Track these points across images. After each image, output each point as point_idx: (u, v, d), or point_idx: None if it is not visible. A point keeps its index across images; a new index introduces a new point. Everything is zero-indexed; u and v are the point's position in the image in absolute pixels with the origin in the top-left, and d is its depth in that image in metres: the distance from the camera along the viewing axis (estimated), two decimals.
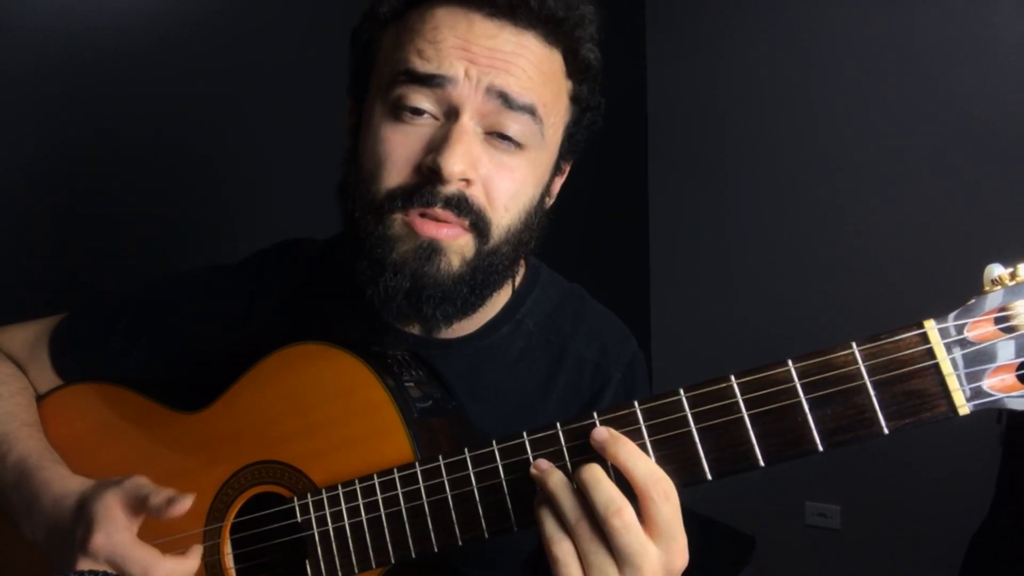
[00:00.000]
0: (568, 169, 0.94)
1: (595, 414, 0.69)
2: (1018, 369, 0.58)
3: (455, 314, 0.85)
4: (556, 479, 0.67)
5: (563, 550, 0.65)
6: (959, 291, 0.64)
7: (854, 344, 0.62)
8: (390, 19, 0.84)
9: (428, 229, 0.80)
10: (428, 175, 0.79)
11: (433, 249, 0.80)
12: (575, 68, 0.85)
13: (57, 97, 1.36)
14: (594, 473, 0.65)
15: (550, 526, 0.66)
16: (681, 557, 0.64)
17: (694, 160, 3.27)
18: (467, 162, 0.78)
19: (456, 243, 0.81)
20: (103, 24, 1.43)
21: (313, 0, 1.82)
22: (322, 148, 1.59)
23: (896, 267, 2.83)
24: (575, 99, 0.87)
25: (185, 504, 0.77)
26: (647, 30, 3.28)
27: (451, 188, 0.78)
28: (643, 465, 0.64)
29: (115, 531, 0.76)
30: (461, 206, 0.79)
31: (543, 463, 0.69)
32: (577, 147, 0.92)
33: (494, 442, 0.73)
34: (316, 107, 1.75)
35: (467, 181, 0.79)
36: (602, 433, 0.67)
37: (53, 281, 1.38)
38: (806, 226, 3.02)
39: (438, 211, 0.79)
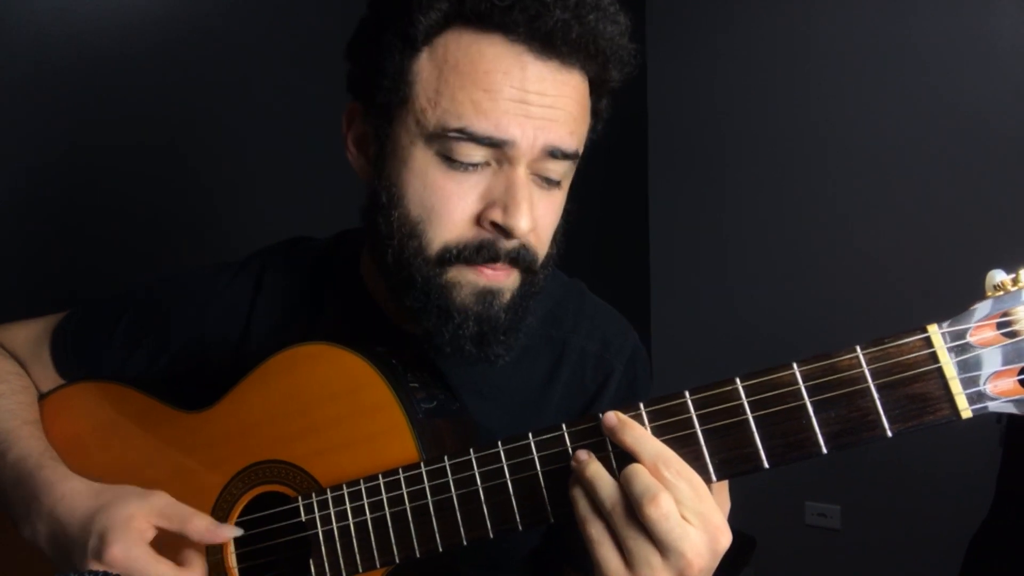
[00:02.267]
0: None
1: (600, 415, 0.70)
2: (1020, 374, 0.59)
3: (514, 342, 0.85)
4: (594, 468, 0.67)
5: (597, 530, 0.65)
6: (961, 296, 0.64)
7: (858, 348, 0.62)
8: (423, 42, 0.78)
9: (488, 275, 0.80)
10: (492, 229, 0.78)
11: (491, 291, 0.81)
12: (599, 87, 0.85)
13: (57, 97, 1.36)
14: (633, 466, 0.65)
15: (584, 507, 0.66)
16: (724, 535, 0.64)
17: (694, 160, 3.27)
18: (532, 217, 0.78)
19: (508, 281, 0.82)
20: (103, 24, 1.43)
21: (312, 1, 1.83)
22: (323, 148, 1.59)
23: (896, 268, 2.83)
24: (595, 113, 0.88)
25: (226, 534, 0.80)
26: (647, 30, 3.28)
27: (515, 243, 0.79)
28: (651, 446, 0.65)
29: (133, 545, 0.77)
30: (521, 257, 0.80)
31: (583, 454, 0.68)
32: (583, 155, 0.92)
33: (499, 442, 0.73)
34: (317, 107, 1.75)
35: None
36: (611, 419, 0.67)
37: (55, 279, 1.38)
38: (806, 226, 3.03)
39: (500, 266, 0.80)
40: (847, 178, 2.93)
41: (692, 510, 0.63)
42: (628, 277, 3.32)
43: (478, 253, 0.79)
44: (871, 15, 2.85)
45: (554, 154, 0.78)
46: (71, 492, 0.84)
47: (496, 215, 0.77)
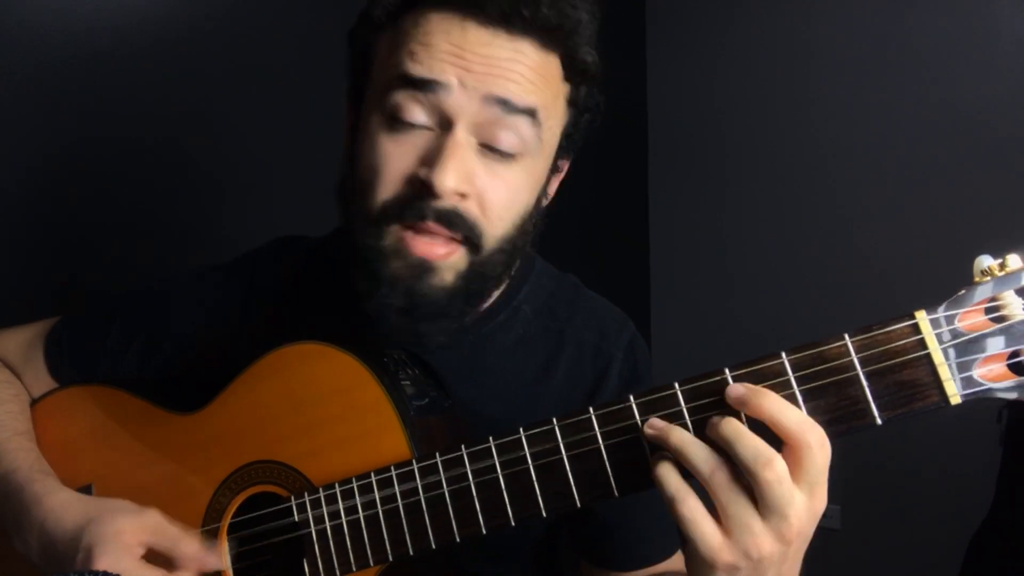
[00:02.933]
0: (566, 167, 0.93)
1: (591, 408, 0.70)
2: (1008, 359, 0.59)
3: (451, 326, 0.84)
4: (680, 433, 0.64)
5: (691, 508, 0.63)
6: (950, 282, 0.64)
7: (846, 336, 0.62)
8: (384, 23, 0.83)
9: (420, 247, 0.79)
10: (420, 188, 0.77)
11: (424, 268, 0.79)
12: (573, 71, 0.84)
13: (57, 97, 1.36)
14: (735, 426, 0.62)
15: (673, 485, 0.64)
16: (823, 501, 0.62)
17: (694, 160, 3.27)
18: (461, 176, 0.77)
19: (449, 260, 0.80)
20: (103, 24, 1.43)
21: (312, 1, 1.83)
22: (317, 147, 1.59)
23: (897, 268, 2.83)
24: (572, 102, 0.86)
25: (213, 563, 0.79)
26: (647, 30, 3.29)
27: (444, 203, 0.77)
28: (794, 413, 0.61)
29: (121, 558, 0.76)
30: (453, 220, 0.78)
31: (657, 422, 0.66)
32: (575, 145, 0.90)
33: (491, 439, 0.73)
34: (313, 106, 1.75)
35: (461, 195, 0.78)
36: (739, 389, 0.63)
37: (49, 283, 1.38)
38: (805, 226, 3.03)
39: (430, 224, 0.78)
40: (846, 177, 2.94)
41: (811, 482, 0.60)
42: (628, 276, 3.31)
43: (406, 209, 0.78)
44: (871, 15, 2.85)
45: (505, 106, 0.77)
46: (60, 505, 0.83)
47: (422, 171, 0.77)
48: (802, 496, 0.60)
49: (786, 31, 3.03)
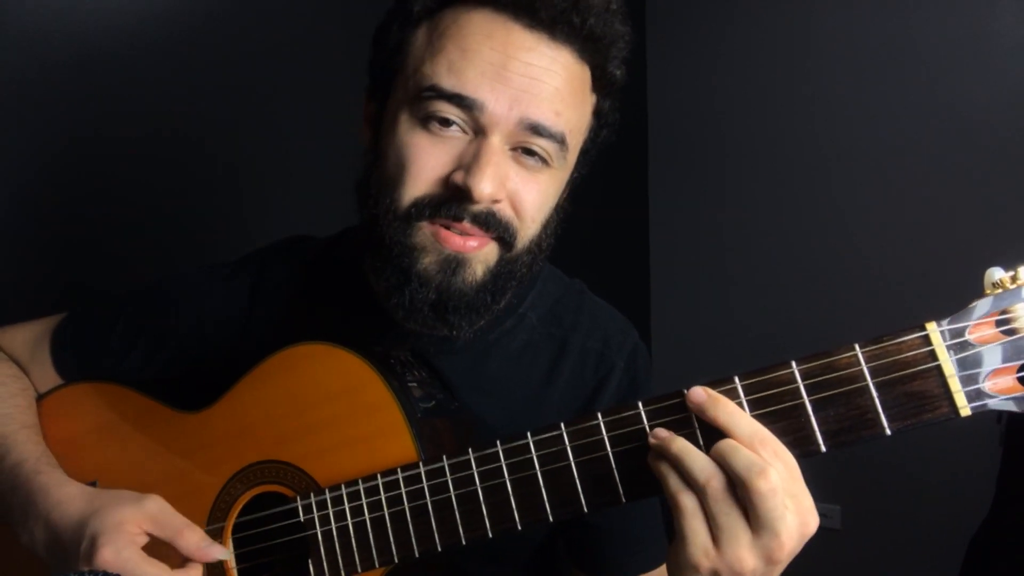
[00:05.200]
0: (578, 175, 0.94)
1: (599, 414, 0.70)
2: (1018, 371, 0.59)
3: (477, 321, 0.85)
4: (681, 443, 0.65)
5: (692, 501, 0.63)
6: (960, 294, 0.64)
7: (857, 346, 0.62)
8: (423, 17, 0.82)
9: (455, 243, 0.79)
10: (456, 191, 0.78)
11: (459, 262, 0.80)
12: (602, 83, 0.85)
13: (57, 97, 1.36)
14: (729, 441, 0.63)
15: (674, 482, 0.64)
16: (813, 519, 0.62)
17: (694, 160, 3.27)
18: (497, 182, 0.78)
19: (481, 253, 0.81)
20: (103, 24, 1.42)
21: (315, 1, 1.83)
22: (322, 147, 1.59)
23: (897, 267, 2.83)
24: (597, 113, 0.88)
25: (216, 554, 0.79)
26: (647, 30, 3.28)
27: (480, 206, 0.78)
28: (746, 423, 0.63)
29: (124, 547, 0.76)
30: (489, 222, 0.79)
31: (662, 432, 0.67)
32: (588, 161, 0.92)
33: (498, 442, 0.73)
34: (318, 107, 1.75)
35: (496, 200, 0.80)
36: (699, 394, 0.65)
37: (55, 281, 1.38)
38: (806, 226, 3.02)
39: (466, 226, 0.79)
40: (847, 177, 2.93)
41: (788, 491, 0.61)
42: (628, 277, 3.31)
43: (441, 208, 0.79)
44: (871, 15, 2.84)
45: (536, 130, 0.78)
46: (67, 498, 0.83)
47: (459, 176, 0.78)
48: (791, 513, 0.61)
49: (786, 31, 3.02)
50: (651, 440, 0.67)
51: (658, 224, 3.38)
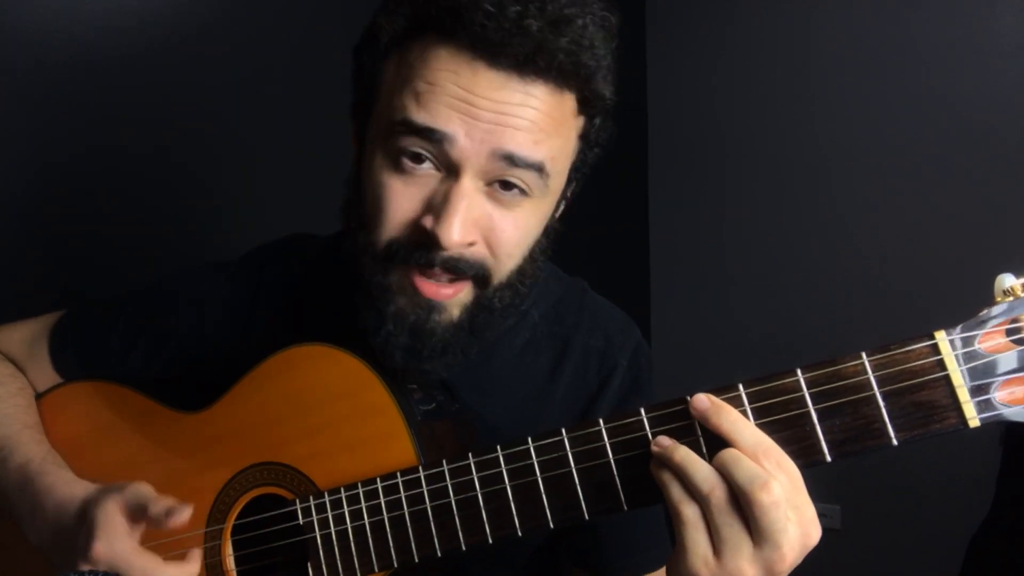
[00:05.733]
0: (572, 192, 0.91)
1: (601, 421, 0.69)
2: None
3: (453, 362, 0.83)
4: (684, 451, 0.64)
5: (694, 511, 0.63)
6: (970, 301, 0.63)
7: (864, 354, 0.62)
8: (391, 49, 0.79)
9: (427, 289, 0.78)
10: (426, 237, 0.76)
11: (431, 307, 0.79)
12: (588, 105, 0.80)
13: (57, 97, 1.35)
14: (732, 451, 0.62)
15: (677, 491, 0.64)
16: (815, 530, 0.62)
17: (694, 160, 3.26)
18: (467, 227, 0.75)
19: (456, 299, 0.80)
20: (103, 24, 1.42)
21: (314, 3, 1.82)
22: (322, 148, 1.58)
23: (897, 267, 2.82)
24: (584, 136, 0.83)
25: (184, 515, 0.76)
26: (647, 30, 3.27)
27: (449, 253, 0.76)
28: (750, 433, 0.62)
29: (116, 539, 0.76)
30: (460, 267, 0.77)
31: (664, 440, 0.66)
32: (582, 177, 0.89)
33: (499, 447, 0.72)
34: (318, 107, 1.74)
35: (469, 243, 0.77)
36: (703, 401, 0.65)
37: (54, 281, 1.38)
38: (806, 227, 3.02)
39: (437, 272, 0.77)
40: (848, 178, 2.92)
41: (791, 503, 0.60)
42: (628, 277, 3.31)
43: (413, 254, 0.77)
44: (871, 16, 2.83)
45: (511, 160, 0.74)
46: (71, 497, 0.83)
47: (428, 222, 0.75)
48: (792, 524, 0.60)
49: (786, 31, 3.00)
50: (653, 448, 0.66)
51: (658, 224, 3.37)
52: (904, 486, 2.82)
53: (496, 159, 0.74)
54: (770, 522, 0.59)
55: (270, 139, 1.73)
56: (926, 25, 2.75)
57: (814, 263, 3.00)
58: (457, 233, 0.74)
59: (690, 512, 0.63)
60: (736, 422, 0.63)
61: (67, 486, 0.85)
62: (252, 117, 1.69)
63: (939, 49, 2.74)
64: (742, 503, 0.60)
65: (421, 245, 0.76)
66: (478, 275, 0.79)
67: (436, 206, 0.75)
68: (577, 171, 0.87)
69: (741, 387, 0.64)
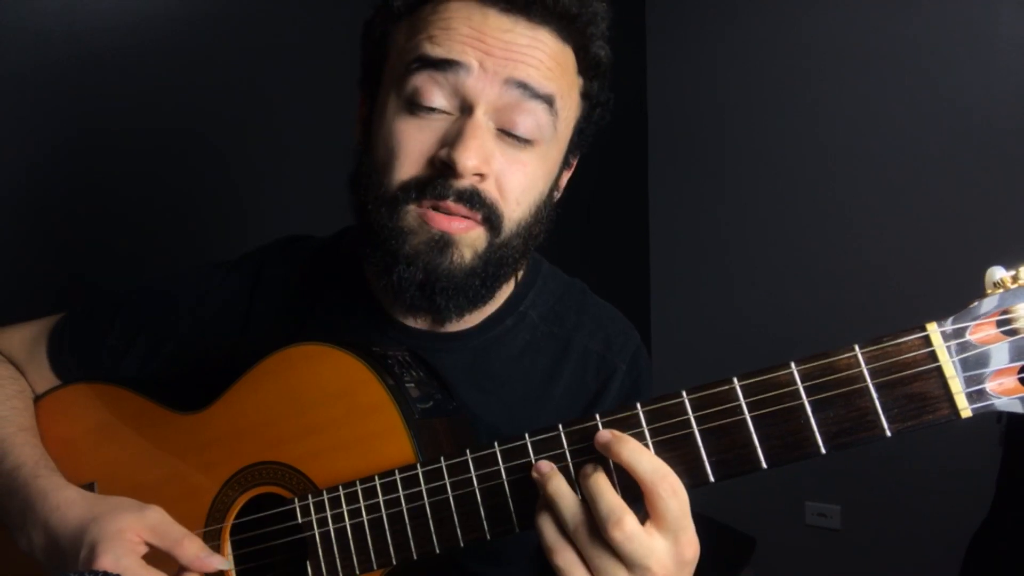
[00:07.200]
0: (575, 163, 0.95)
1: (597, 416, 0.69)
2: (1020, 372, 0.58)
3: (467, 305, 0.86)
4: (555, 484, 0.67)
5: (566, 560, 0.66)
6: (961, 293, 0.64)
7: (856, 347, 0.62)
8: (403, 13, 0.85)
9: (440, 222, 0.81)
10: (441, 169, 0.80)
11: (445, 242, 0.81)
12: (586, 65, 0.87)
13: (57, 97, 1.36)
14: (598, 483, 0.65)
15: (551, 535, 0.66)
16: (692, 547, 0.64)
17: (694, 160, 3.27)
18: (481, 157, 0.79)
19: (468, 236, 0.82)
20: (103, 24, 1.42)
21: (315, 2, 1.82)
22: (322, 148, 1.59)
23: (897, 267, 2.83)
24: (585, 95, 0.89)
25: (215, 564, 0.77)
26: (647, 30, 3.28)
27: (464, 182, 0.80)
28: (647, 462, 0.64)
29: (123, 555, 0.75)
30: (474, 200, 0.80)
31: (544, 465, 0.68)
32: (585, 141, 0.93)
33: (496, 443, 0.72)
34: (318, 107, 1.75)
35: (480, 176, 0.80)
36: (605, 435, 0.67)
37: (54, 280, 1.38)
38: (806, 226, 3.02)
39: (451, 204, 0.80)
40: (847, 176, 2.93)
41: (673, 529, 0.63)
42: (628, 277, 3.31)
43: (427, 188, 0.80)
44: (872, 15, 2.84)
45: (525, 90, 0.80)
46: (65, 502, 0.83)
47: (443, 152, 0.79)
48: (665, 544, 0.63)
49: (786, 30, 3.02)
50: (533, 474, 0.69)
51: (658, 224, 3.38)
52: (904, 486, 2.82)
53: (510, 87, 0.79)
54: (628, 553, 0.62)
55: (270, 139, 1.74)
56: (926, 25, 2.76)
57: (813, 261, 3.01)
58: (473, 157, 0.78)
59: (562, 561, 0.66)
60: (634, 451, 0.65)
61: (59, 491, 0.84)
62: (253, 117, 1.70)
63: (938, 49, 2.75)
64: (603, 536, 0.63)
65: (435, 178, 0.80)
66: (489, 217, 0.82)
67: (450, 139, 0.80)
68: (581, 132, 0.90)
69: (736, 380, 0.65)
